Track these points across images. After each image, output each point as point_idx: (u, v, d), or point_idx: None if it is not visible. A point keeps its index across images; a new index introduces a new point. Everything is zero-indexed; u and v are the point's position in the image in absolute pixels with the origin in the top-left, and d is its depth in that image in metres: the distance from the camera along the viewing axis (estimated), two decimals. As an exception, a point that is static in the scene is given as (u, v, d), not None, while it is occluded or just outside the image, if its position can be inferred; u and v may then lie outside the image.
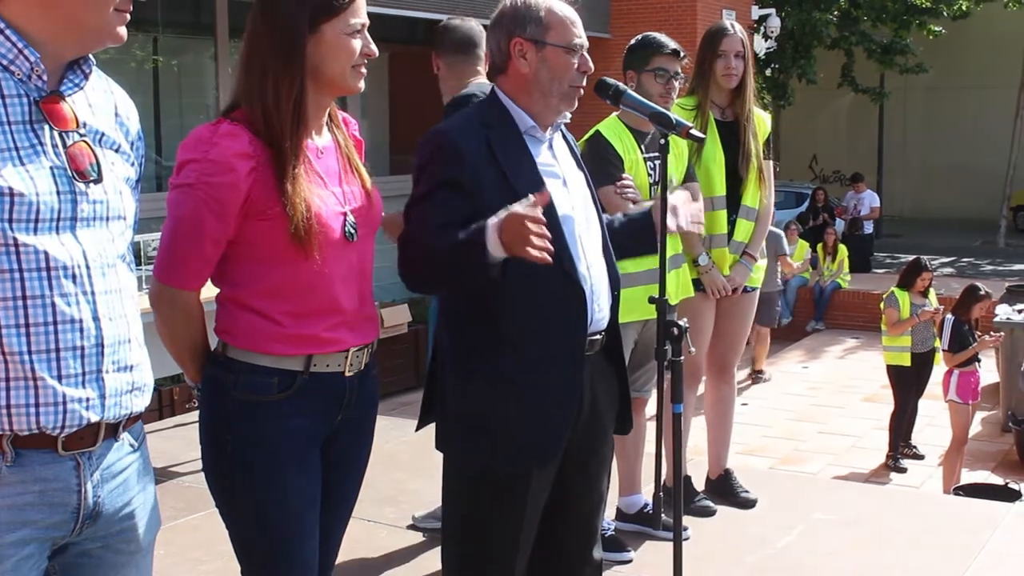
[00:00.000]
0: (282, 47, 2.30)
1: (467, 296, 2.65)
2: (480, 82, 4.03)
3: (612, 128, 4.07)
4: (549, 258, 2.37)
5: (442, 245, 2.50)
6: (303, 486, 2.39)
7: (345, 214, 2.38)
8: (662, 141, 2.87)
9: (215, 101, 11.15)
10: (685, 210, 2.82)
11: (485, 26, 3.02)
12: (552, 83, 2.65)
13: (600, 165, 3.92)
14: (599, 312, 2.70)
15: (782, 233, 12.66)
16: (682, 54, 4.17)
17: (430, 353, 2.90)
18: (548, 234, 2.38)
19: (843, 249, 15.12)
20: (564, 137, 2.83)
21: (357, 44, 2.35)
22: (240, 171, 2.25)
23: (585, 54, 2.68)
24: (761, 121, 4.54)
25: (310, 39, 2.31)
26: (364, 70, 2.40)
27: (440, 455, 2.79)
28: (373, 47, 2.38)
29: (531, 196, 2.42)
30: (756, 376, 11.96)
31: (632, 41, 4.19)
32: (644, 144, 4.11)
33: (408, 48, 13.49)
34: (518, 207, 2.37)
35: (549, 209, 2.61)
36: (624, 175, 3.94)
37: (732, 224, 4.44)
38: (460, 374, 2.67)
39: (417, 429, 2.91)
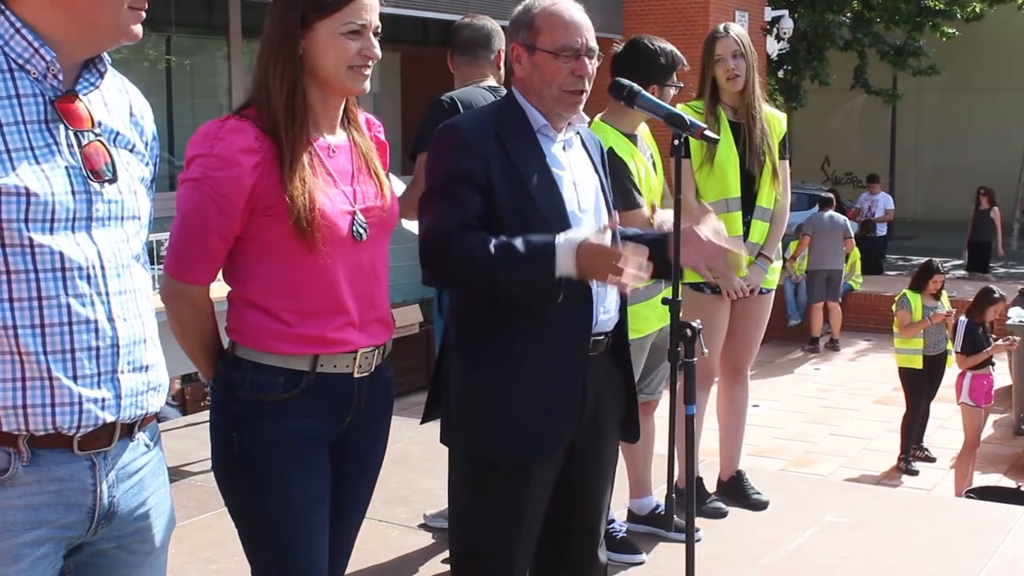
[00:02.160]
0: (276, 41, 2.32)
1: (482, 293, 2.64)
2: (467, 89, 3.97)
3: (617, 141, 3.95)
4: (634, 284, 2.45)
5: (485, 251, 2.47)
6: (308, 486, 2.39)
7: (354, 213, 2.37)
8: (675, 142, 2.86)
9: (228, 101, 11.17)
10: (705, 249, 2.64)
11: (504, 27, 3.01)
12: (543, 88, 2.66)
13: (623, 186, 3.88)
14: (604, 313, 2.71)
15: (846, 218, 14.11)
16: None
17: (438, 351, 2.89)
18: (637, 268, 2.43)
19: (855, 251, 15.06)
20: (585, 139, 2.83)
21: (353, 45, 2.33)
22: (244, 166, 2.26)
23: (584, 58, 2.64)
24: (776, 120, 4.52)
25: (304, 36, 2.31)
26: (367, 72, 2.37)
27: (451, 454, 2.79)
28: (375, 50, 2.35)
29: (607, 220, 2.60)
30: (832, 344, 13.71)
31: (661, 59, 4.01)
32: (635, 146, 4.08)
33: (421, 49, 13.50)
34: (595, 238, 2.43)
35: (557, 207, 2.61)
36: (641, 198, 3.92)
37: (747, 225, 4.43)
38: (465, 365, 2.69)
39: (422, 422, 2.92)
